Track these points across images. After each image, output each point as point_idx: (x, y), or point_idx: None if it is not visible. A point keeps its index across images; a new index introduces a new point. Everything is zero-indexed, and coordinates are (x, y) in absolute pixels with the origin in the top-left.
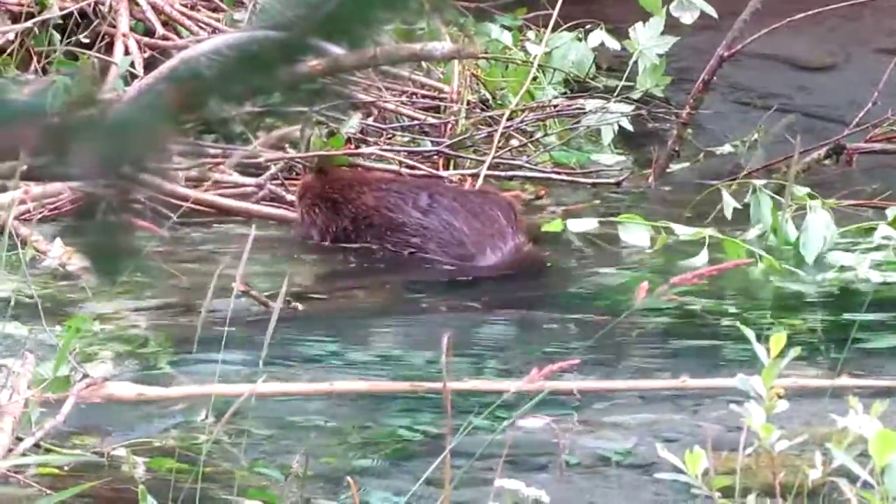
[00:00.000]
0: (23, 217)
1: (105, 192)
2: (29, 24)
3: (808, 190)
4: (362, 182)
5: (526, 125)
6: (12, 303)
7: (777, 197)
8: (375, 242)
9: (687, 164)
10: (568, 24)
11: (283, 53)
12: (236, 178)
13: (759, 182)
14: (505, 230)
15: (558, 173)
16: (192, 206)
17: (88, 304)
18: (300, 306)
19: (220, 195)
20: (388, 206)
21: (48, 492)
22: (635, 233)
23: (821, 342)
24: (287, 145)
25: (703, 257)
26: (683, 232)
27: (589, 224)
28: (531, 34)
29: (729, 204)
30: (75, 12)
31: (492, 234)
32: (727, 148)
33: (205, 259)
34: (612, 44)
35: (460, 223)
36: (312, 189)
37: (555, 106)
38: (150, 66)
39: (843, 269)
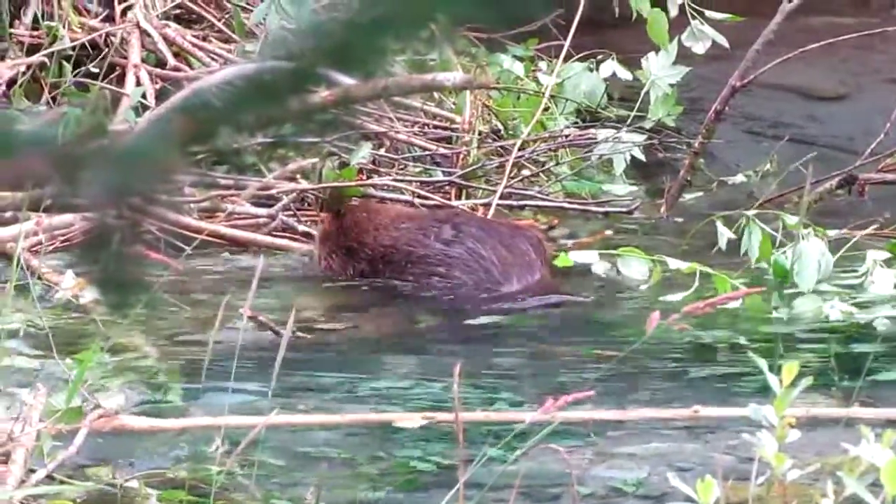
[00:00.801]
0: (34, 248)
1: (115, 222)
2: (39, 57)
3: (797, 218)
4: (378, 225)
5: (538, 155)
6: (23, 334)
7: (766, 228)
8: (396, 278)
9: (700, 194)
10: (580, 55)
11: (293, 83)
12: (249, 208)
13: (750, 212)
14: (534, 263)
15: (570, 203)
16: (205, 237)
17: (100, 335)
18: (307, 336)
19: (233, 226)
20: (407, 242)
21: None
22: (634, 266)
23: (833, 372)
24: (299, 176)
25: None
26: (676, 265)
27: (590, 257)
28: (543, 64)
29: (723, 235)
30: (86, 43)
31: (520, 264)
32: (740, 178)
33: (216, 290)
34: (624, 74)
35: (487, 252)
36: (330, 237)
37: (566, 136)
38: (161, 97)
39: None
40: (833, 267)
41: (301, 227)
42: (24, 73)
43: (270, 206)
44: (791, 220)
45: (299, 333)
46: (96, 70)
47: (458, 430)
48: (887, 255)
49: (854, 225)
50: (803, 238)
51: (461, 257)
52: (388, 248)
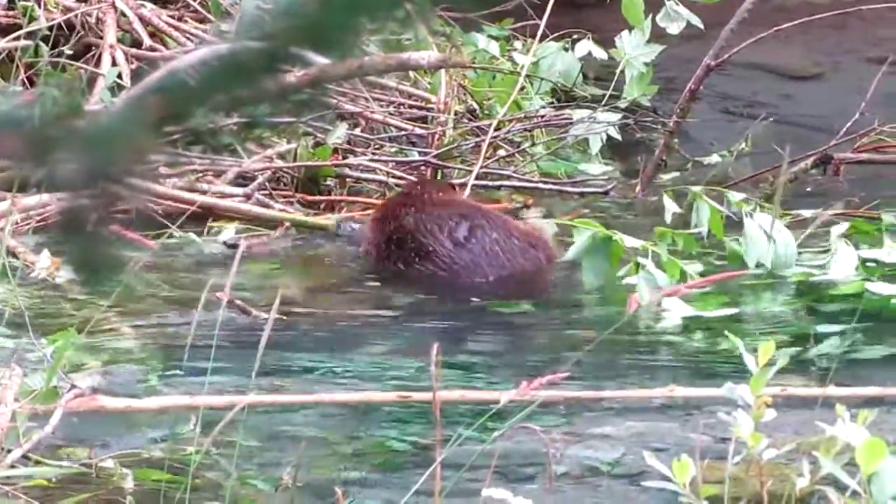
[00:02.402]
0: (12, 228)
1: (89, 203)
2: (21, 41)
3: (743, 195)
4: (416, 202)
5: (513, 135)
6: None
7: (715, 204)
8: (402, 265)
9: (676, 174)
10: (555, 34)
11: (267, 63)
12: (224, 188)
13: (696, 188)
14: (538, 278)
15: (546, 183)
16: (184, 207)
17: (76, 315)
18: (284, 317)
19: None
20: (423, 231)
21: None
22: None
23: (808, 351)
24: (275, 156)
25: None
26: (631, 244)
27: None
28: (518, 44)
29: (669, 209)
30: (62, 23)
31: (521, 281)
32: (715, 158)
33: (195, 270)
34: (599, 53)
35: (490, 272)
36: (385, 205)
37: (542, 116)
38: (137, 77)
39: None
40: (803, 248)
41: (276, 206)
42: None
43: (246, 185)
44: (736, 197)
45: (277, 315)
46: (70, 52)
47: (435, 410)
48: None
49: (827, 206)
50: (749, 216)
51: (465, 266)
52: (408, 231)
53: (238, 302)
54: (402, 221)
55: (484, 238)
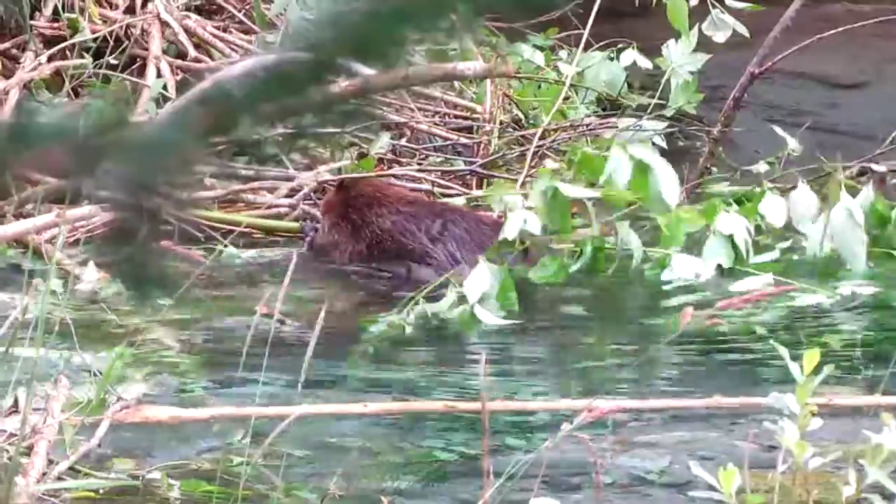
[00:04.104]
0: (55, 240)
1: (135, 214)
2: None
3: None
4: (381, 202)
5: (558, 144)
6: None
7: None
8: (385, 267)
9: (726, 183)
10: (600, 44)
11: (313, 74)
12: (269, 198)
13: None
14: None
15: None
16: (231, 228)
17: (122, 327)
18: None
19: (253, 216)
20: (402, 231)
21: None
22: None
23: (855, 359)
24: (320, 166)
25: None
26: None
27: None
28: (563, 53)
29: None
30: (107, 35)
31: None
32: (763, 166)
33: (243, 282)
34: (644, 62)
35: (463, 254)
36: (335, 207)
37: (587, 125)
38: (182, 88)
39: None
40: None
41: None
42: (44, 64)
43: (291, 195)
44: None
45: (285, 322)
46: (115, 61)
47: (484, 420)
48: None
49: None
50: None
51: (440, 261)
52: (386, 232)
53: (277, 315)
54: (379, 224)
55: (455, 231)
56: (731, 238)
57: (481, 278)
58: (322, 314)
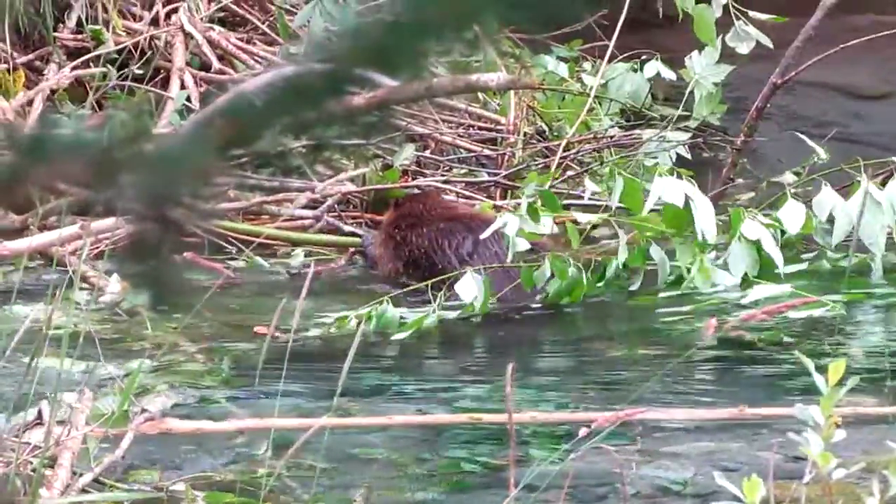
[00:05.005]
0: (78, 252)
1: (155, 226)
2: (93, 69)
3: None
4: (424, 222)
5: (582, 156)
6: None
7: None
8: (418, 281)
9: (752, 194)
10: (623, 55)
11: (332, 85)
12: (294, 210)
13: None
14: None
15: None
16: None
17: (145, 339)
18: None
19: (278, 227)
20: (435, 249)
21: None
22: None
23: (880, 369)
24: (345, 179)
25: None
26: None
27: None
28: (587, 65)
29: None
30: (130, 46)
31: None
32: (789, 177)
33: (263, 293)
34: (668, 74)
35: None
36: (386, 225)
37: (611, 136)
38: (205, 100)
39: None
40: None
41: (346, 228)
42: (67, 76)
43: (315, 207)
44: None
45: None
46: (141, 73)
47: (510, 431)
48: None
49: None
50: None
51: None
52: (423, 251)
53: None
54: (418, 244)
55: (485, 253)
56: (757, 246)
57: (468, 287)
58: (360, 327)
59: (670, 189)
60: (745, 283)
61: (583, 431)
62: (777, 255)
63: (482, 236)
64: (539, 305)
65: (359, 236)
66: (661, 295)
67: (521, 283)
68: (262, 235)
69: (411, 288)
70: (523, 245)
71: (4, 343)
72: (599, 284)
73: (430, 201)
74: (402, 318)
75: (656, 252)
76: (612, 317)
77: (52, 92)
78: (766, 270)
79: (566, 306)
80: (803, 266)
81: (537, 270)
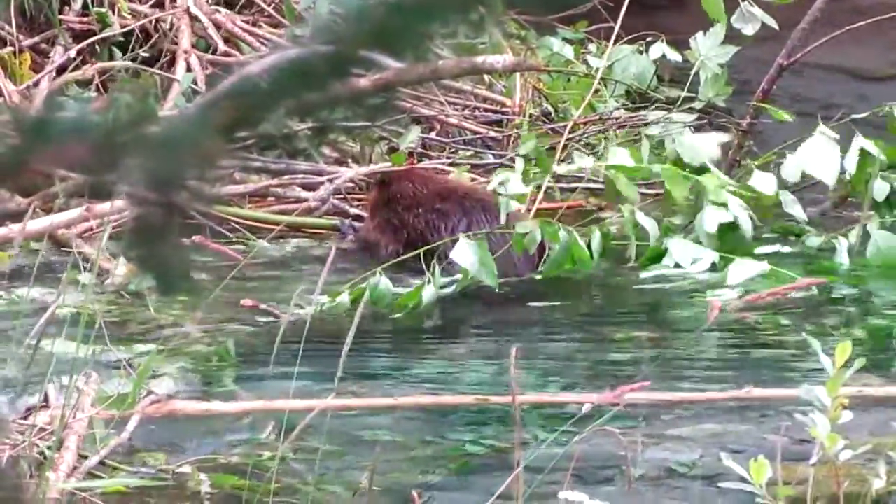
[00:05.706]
0: (85, 234)
1: (158, 209)
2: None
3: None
4: (420, 202)
5: (588, 137)
6: (75, 321)
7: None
8: (414, 267)
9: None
10: (629, 37)
11: (337, 67)
12: (299, 192)
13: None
14: (523, 265)
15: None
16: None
17: (151, 321)
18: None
19: (283, 211)
20: (431, 230)
21: None
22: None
23: (887, 350)
24: (349, 160)
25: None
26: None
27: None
28: (592, 47)
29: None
30: (136, 29)
31: (512, 273)
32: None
33: (271, 276)
34: (674, 55)
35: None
36: (381, 208)
37: (617, 118)
38: (211, 82)
39: None
40: None
41: (352, 211)
42: (73, 59)
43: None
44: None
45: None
46: (146, 54)
47: (515, 413)
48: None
49: None
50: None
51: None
52: (420, 232)
53: (266, 307)
54: (414, 225)
55: (477, 230)
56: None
57: (464, 253)
58: (360, 309)
59: (701, 142)
60: (724, 261)
61: (586, 407)
62: (746, 221)
63: (497, 224)
64: (539, 278)
65: (354, 228)
66: (642, 276)
67: (513, 247)
68: (282, 224)
69: (403, 258)
70: (515, 206)
71: (19, 323)
72: (593, 251)
73: (417, 179)
74: (396, 291)
75: (643, 218)
76: (613, 295)
77: (59, 73)
78: (738, 245)
79: (564, 282)
80: (778, 247)
81: (527, 237)
